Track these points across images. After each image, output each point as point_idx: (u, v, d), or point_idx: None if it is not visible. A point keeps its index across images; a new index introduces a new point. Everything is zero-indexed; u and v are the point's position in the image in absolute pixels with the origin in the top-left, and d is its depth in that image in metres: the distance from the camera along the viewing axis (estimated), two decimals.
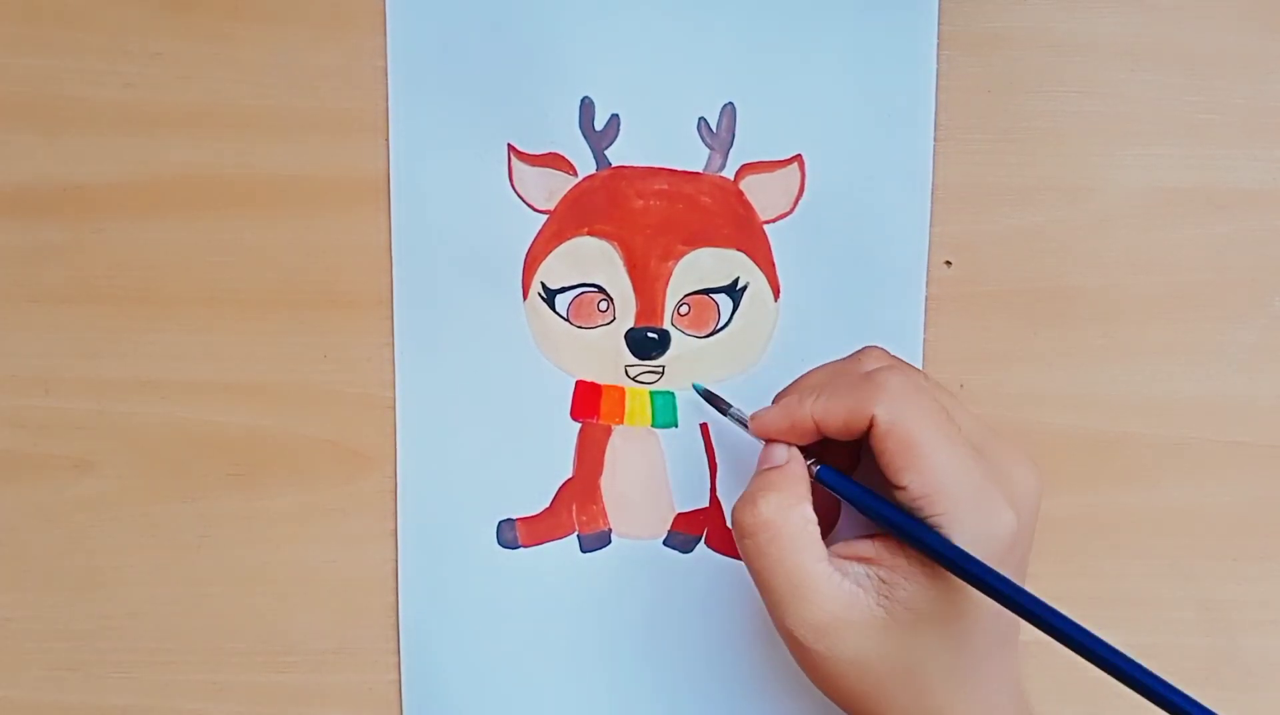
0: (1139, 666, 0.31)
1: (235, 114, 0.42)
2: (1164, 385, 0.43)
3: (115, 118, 0.43)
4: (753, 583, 0.36)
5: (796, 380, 0.40)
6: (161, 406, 0.44)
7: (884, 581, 0.35)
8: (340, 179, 0.43)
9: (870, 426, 0.35)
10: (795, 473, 0.37)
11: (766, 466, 0.37)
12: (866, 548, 0.35)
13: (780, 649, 0.43)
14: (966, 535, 0.34)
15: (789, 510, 0.35)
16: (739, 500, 0.36)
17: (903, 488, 0.34)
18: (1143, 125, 0.42)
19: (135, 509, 0.44)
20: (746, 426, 0.39)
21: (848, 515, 0.40)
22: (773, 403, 0.39)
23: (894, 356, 0.39)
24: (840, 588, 0.35)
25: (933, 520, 0.34)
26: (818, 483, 0.37)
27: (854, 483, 0.36)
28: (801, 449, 0.37)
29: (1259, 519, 0.43)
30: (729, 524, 0.43)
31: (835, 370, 0.39)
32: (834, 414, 0.36)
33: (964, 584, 0.34)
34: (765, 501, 0.36)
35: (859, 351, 0.39)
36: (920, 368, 0.42)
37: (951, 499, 0.34)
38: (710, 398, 0.42)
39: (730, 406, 0.41)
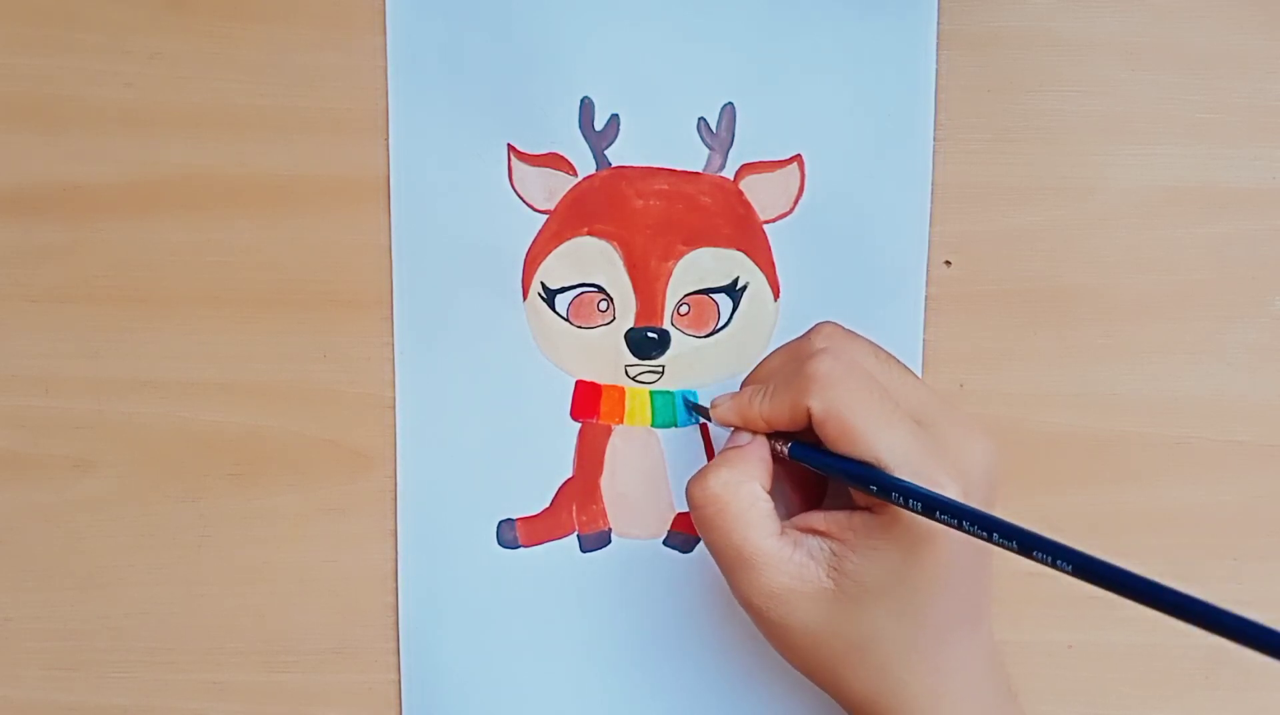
0: (1089, 558, 0.30)
1: (235, 114, 0.42)
2: (1163, 384, 0.43)
3: (115, 118, 0.43)
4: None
5: (758, 365, 0.40)
6: (161, 406, 0.44)
7: (834, 554, 0.35)
8: (340, 179, 0.43)
9: (809, 418, 0.35)
10: (753, 453, 0.38)
11: (729, 446, 0.38)
12: (818, 520, 0.36)
13: None
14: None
15: (738, 486, 0.36)
16: (693, 476, 0.37)
17: None
18: (1142, 125, 0.42)
19: (135, 509, 0.44)
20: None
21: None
22: (741, 386, 0.40)
23: (843, 333, 0.38)
24: (790, 560, 0.36)
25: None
26: (793, 461, 0.37)
27: (825, 453, 0.36)
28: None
29: (1259, 518, 0.43)
30: None
31: (784, 356, 0.39)
32: (779, 412, 0.37)
33: (913, 556, 0.34)
34: (715, 477, 0.37)
35: (810, 331, 0.39)
36: (920, 366, 0.43)
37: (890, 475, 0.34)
38: (698, 408, 0.43)
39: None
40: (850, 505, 0.36)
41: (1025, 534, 0.31)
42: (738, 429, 0.38)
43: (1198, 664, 0.44)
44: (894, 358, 0.38)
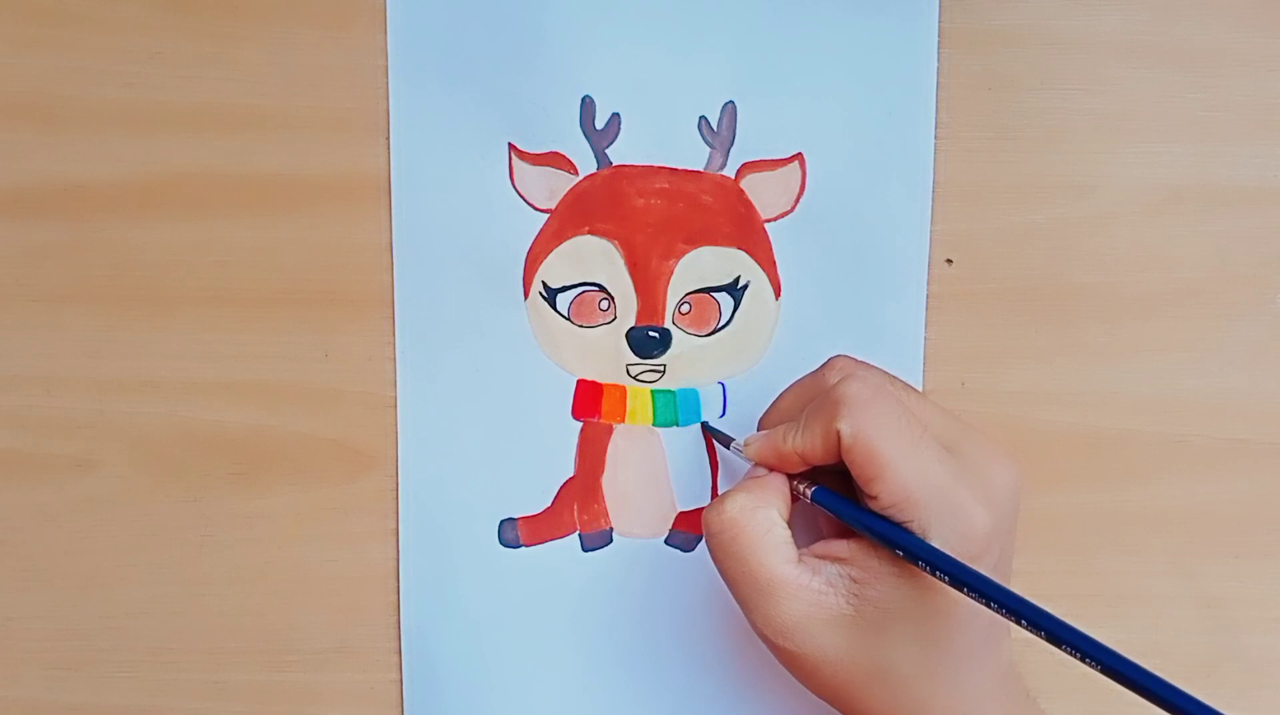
0: (1118, 657, 0.31)
1: (235, 114, 0.42)
2: (1165, 382, 0.43)
3: (115, 118, 0.42)
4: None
5: (773, 402, 0.40)
6: (162, 406, 0.44)
7: (855, 581, 0.35)
8: (340, 179, 0.43)
9: (838, 443, 0.35)
10: (771, 482, 0.37)
11: (748, 476, 0.38)
12: (841, 548, 0.36)
13: None
14: (939, 538, 0.34)
15: (754, 511, 0.36)
16: (709, 504, 0.37)
17: (873, 497, 0.35)
18: (1144, 122, 0.42)
19: (136, 509, 0.44)
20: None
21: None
22: (759, 425, 0.40)
23: (858, 362, 0.38)
24: (807, 587, 0.35)
25: (905, 527, 0.34)
26: (813, 505, 0.37)
27: (847, 501, 0.36)
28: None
29: (1260, 516, 0.43)
30: None
31: (803, 391, 0.39)
32: (812, 444, 0.36)
33: (936, 584, 0.34)
34: (732, 503, 0.36)
35: (824, 365, 0.39)
36: (921, 365, 0.43)
37: (918, 505, 0.34)
38: (715, 434, 0.43)
39: (733, 441, 0.41)
40: None
41: (1055, 623, 0.31)
42: (771, 469, 0.38)
43: (1200, 662, 0.44)
44: (911, 385, 0.38)
